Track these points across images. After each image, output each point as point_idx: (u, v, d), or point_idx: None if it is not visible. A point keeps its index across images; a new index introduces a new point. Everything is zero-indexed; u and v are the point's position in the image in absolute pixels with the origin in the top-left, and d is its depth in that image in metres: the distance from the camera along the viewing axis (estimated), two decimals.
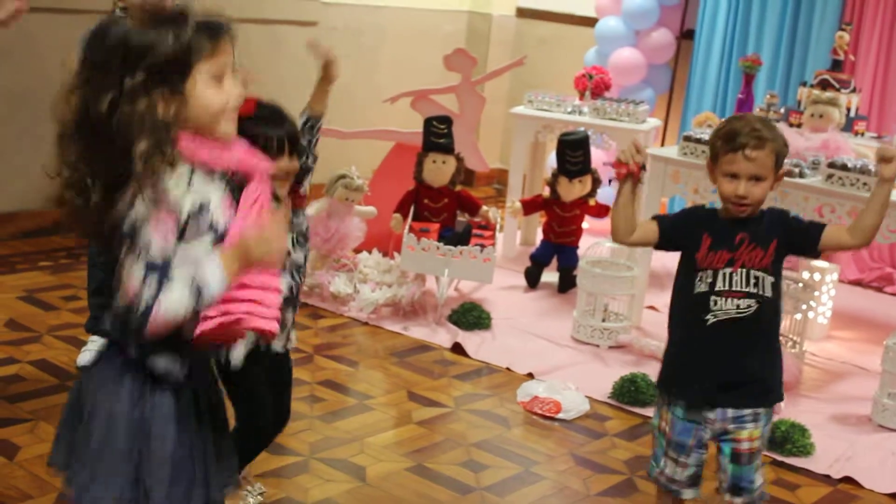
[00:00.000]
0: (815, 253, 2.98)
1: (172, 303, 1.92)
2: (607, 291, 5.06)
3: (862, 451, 4.16)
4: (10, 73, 5.57)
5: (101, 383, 2.08)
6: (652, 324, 5.24)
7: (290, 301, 3.03)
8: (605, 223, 6.35)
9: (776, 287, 2.90)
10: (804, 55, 6.61)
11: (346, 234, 5.47)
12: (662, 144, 6.83)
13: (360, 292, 5.22)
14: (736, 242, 2.87)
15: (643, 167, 2.93)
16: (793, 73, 6.61)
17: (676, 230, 2.98)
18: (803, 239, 2.94)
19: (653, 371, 4.50)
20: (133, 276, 1.92)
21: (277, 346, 3.06)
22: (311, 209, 5.47)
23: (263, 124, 2.78)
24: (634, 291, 5.13)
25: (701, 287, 2.88)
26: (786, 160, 4.01)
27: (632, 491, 3.71)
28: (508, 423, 4.17)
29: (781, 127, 5.23)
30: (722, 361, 2.89)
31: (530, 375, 4.61)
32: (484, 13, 8.02)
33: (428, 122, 5.64)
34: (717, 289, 2.86)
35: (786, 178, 4.68)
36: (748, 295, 2.85)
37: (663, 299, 5.60)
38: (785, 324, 4.93)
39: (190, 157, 2.00)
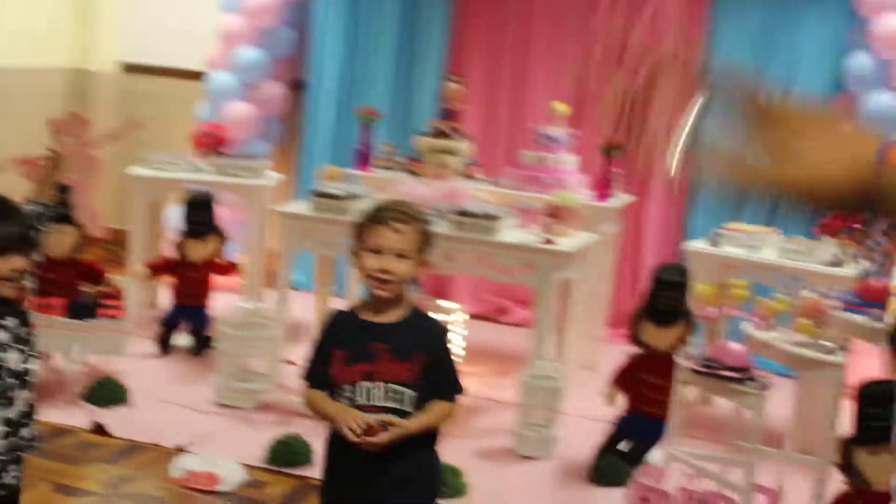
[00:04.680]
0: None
1: None
2: (251, 353, 4.99)
3: (511, 482, 4.34)
4: None
5: None
6: (293, 378, 5.20)
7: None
8: (233, 280, 6.27)
9: (423, 399, 2.82)
10: (412, 105, 6.87)
11: None
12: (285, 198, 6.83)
13: None
14: (373, 353, 2.78)
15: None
16: (404, 121, 6.82)
17: (320, 368, 2.87)
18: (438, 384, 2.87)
19: (301, 429, 4.50)
20: None
21: None
22: None
23: None
24: (276, 349, 5.09)
25: (352, 401, 2.78)
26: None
27: None
28: None
29: (404, 177, 5.44)
30: (366, 475, 2.80)
31: (180, 448, 4.44)
32: (84, 69, 7.71)
33: (43, 191, 5.33)
34: (358, 403, 2.76)
35: None
36: (388, 410, 2.76)
37: (299, 352, 5.64)
38: None
39: None
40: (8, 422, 2.80)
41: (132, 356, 5.40)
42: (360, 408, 2.76)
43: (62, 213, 5.30)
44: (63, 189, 5.37)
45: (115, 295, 5.31)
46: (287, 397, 4.93)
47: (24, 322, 2.88)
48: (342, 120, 6.98)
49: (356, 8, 7.06)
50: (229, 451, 4.40)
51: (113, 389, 4.90)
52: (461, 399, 2.93)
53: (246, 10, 6.96)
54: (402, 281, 2.82)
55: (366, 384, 2.77)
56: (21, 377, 2.84)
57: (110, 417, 4.69)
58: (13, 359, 2.82)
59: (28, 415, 2.88)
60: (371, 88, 6.99)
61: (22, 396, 2.85)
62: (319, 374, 2.86)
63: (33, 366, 2.88)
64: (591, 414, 4.91)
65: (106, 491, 4.05)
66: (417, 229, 2.84)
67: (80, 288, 5.40)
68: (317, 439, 4.10)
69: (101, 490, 4.05)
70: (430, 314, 2.98)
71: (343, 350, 2.80)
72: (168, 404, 4.92)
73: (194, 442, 4.50)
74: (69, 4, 7.70)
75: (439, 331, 2.94)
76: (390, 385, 2.76)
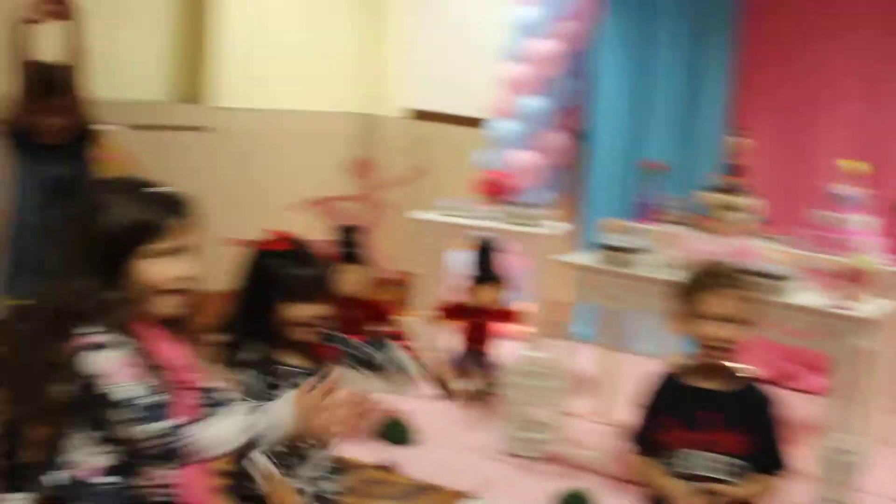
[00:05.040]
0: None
1: None
2: (535, 402, 5.01)
3: None
4: None
5: None
6: (575, 430, 5.19)
7: None
8: (514, 328, 6.31)
9: (747, 471, 2.80)
10: (692, 158, 6.78)
11: None
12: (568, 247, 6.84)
13: None
14: (705, 422, 2.77)
15: None
16: (683, 174, 6.70)
17: (648, 433, 2.88)
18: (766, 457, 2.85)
19: (586, 483, 4.48)
20: None
21: None
22: None
23: (291, 264, 2.71)
24: (561, 400, 5.10)
25: (677, 469, 2.78)
26: None
27: None
28: None
29: (691, 233, 5.35)
30: None
31: (466, 493, 4.50)
32: (374, 114, 8.01)
33: (336, 232, 5.56)
34: (681, 471, 2.76)
35: None
36: (711, 480, 2.75)
37: (580, 405, 5.62)
38: None
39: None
40: (306, 479, 2.84)
41: (422, 398, 5.51)
42: (683, 476, 2.73)
43: (351, 253, 5.50)
44: (353, 230, 5.58)
45: (401, 335, 5.46)
46: (572, 450, 4.92)
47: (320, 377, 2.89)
48: (623, 171, 6.95)
49: (638, 59, 7.05)
50: (515, 499, 4.43)
51: (402, 429, 5.02)
52: (783, 475, 2.84)
53: (530, 60, 7.06)
54: (737, 346, 2.78)
55: (692, 452, 2.74)
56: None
57: (398, 456, 4.80)
58: None
59: (331, 468, 2.90)
60: (651, 140, 6.95)
61: (320, 454, 2.87)
62: (647, 439, 2.84)
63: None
64: (890, 493, 4.68)
65: None
66: (747, 294, 2.80)
67: (365, 327, 5.57)
68: (602, 496, 4.12)
69: None
70: (762, 385, 2.92)
71: (672, 417, 2.77)
72: (455, 447, 5.01)
73: (480, 487, 4.55)
74: (361, 53, 8.02)
75: (772, 403, 2.87)
76: (718, 455, 2.72)
